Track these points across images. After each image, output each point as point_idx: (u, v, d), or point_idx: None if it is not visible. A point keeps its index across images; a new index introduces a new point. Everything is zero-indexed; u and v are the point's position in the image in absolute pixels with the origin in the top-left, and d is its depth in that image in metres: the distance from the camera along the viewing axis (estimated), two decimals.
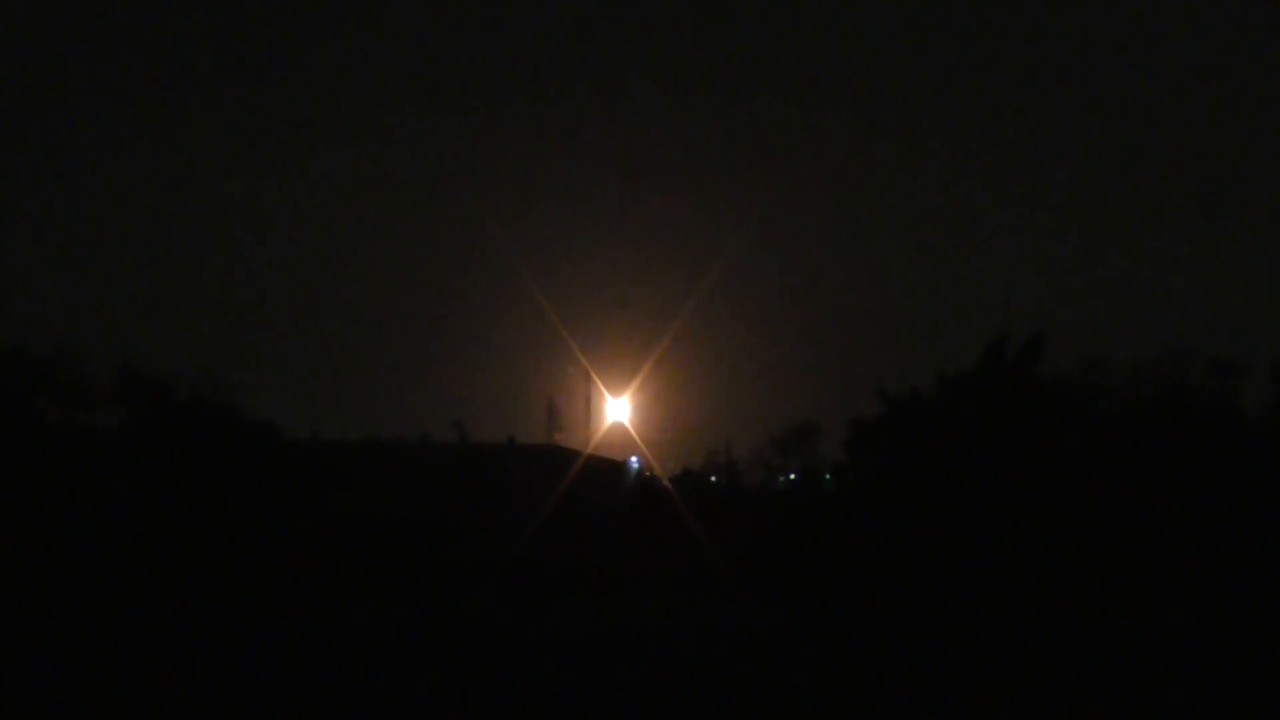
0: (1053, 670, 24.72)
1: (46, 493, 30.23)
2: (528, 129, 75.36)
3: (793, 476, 46.08)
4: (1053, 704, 22.91)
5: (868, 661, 26.03)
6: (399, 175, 76.24)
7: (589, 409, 45.51)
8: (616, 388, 44.11)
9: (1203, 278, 65.95)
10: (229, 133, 76.35)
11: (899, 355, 65.61)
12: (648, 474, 47.19)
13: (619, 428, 46.14)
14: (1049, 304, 59.88)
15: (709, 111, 79.21)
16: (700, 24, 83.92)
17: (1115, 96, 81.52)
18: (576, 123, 76.10)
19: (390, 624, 28.35)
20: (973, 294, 61.74)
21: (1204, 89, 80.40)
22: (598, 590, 32.61)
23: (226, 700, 21.66)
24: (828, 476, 40.38)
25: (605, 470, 45.45)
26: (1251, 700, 21.35)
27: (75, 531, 29.56)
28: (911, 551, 30.30)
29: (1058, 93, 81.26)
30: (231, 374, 33.67)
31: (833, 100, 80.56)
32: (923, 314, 61.86)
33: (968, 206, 73.03)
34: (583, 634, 28.37)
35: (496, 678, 24.13)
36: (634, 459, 47.61)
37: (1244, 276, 66.07)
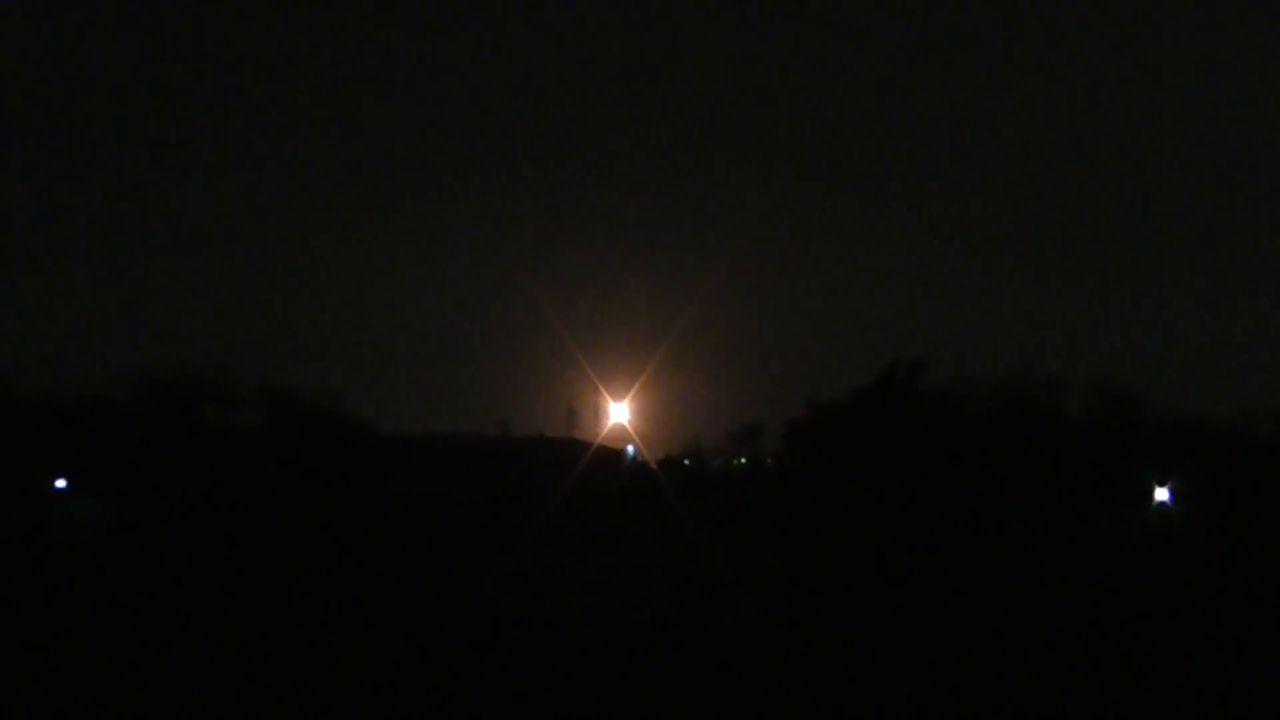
0: (927, 604, 24.20)
1: (207, 477, 32.19)
2: (555, 195, 79.58)
3: (744, 461, 47.29)
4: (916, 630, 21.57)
5: (798, 594, 26.04)
6: (462, 233, 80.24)
7: (597, 411, 46.78)
8: (618, 395, 45.60)
9: (1039, 307, 69.50)
10: (331, 184, 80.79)
11: (822, 372, 70.66)
12: (640, 459, 48.54)
13: (619, 426, 47.05)
14: (931, 330, 64.25)
15: (685, 181, 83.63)
16: (695, 65, 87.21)
17: (973, 151, 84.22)
18: (588, 188, 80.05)
19: (455, 571, 28.17)
20: (878, 323, 66.12)
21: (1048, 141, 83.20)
22: (604, 544, 33.24)
23: (353, 625, 21.07)
24: (769, 461, 43.96)
25: (608, 457, 47.06)
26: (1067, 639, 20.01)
27: (228, 506, 31.34)
28: (831, 517, 32.50)
29: (927, 146, 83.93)
30: (341, 384, 35.97)
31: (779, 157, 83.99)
32: (842, 342, 65.95)
33: (876, 254, 77.60)
34: (592, 576, 28.35)
35: (530, 606, 24.12)
36: (630, 448, 49.03)
37: (1073, 308, 69.41)
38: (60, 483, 31.67)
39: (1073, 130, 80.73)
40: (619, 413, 44.79)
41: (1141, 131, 78.62)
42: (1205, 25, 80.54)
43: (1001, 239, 76.63)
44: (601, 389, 44.53)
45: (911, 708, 15.13)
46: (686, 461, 50.26)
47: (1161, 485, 32.29)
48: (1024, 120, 79.39)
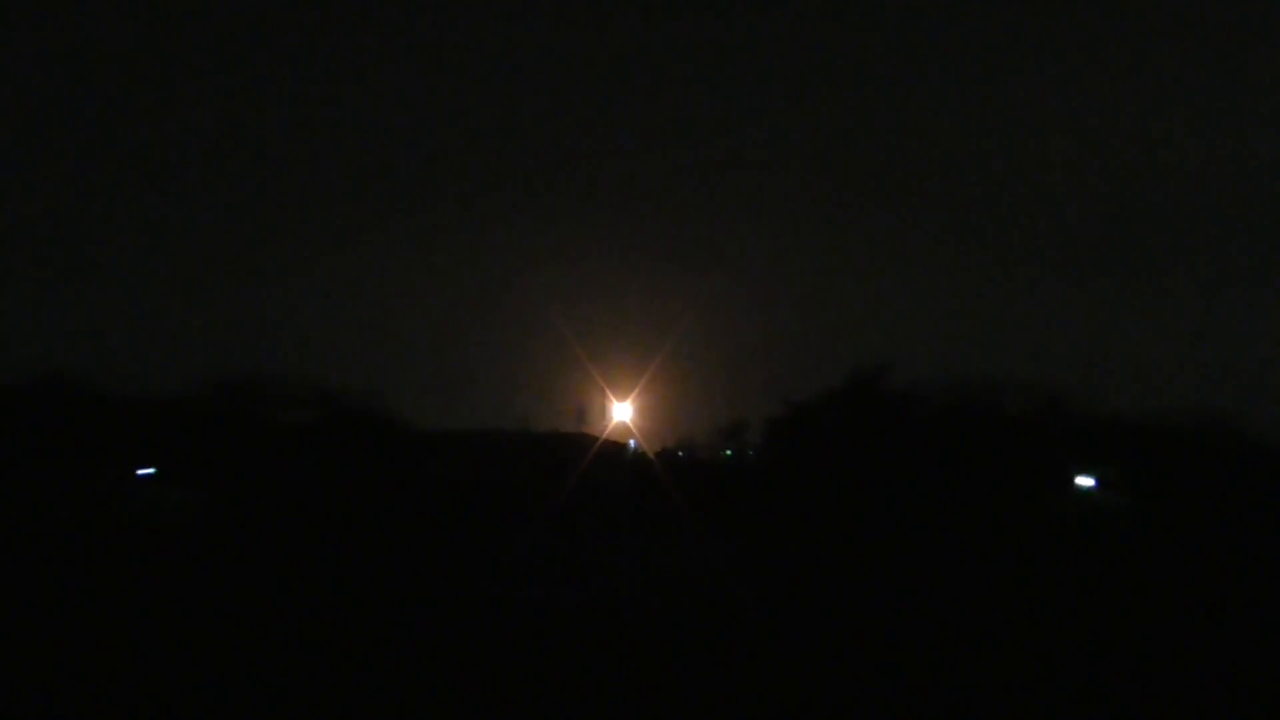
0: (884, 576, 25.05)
1: (265, 469, 35.26)
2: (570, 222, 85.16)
3: (730, 452, 50.67)
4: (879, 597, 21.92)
5: (773, 564, 27.25)
6: (494, 260, 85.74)
7: (604, 410, 50.55)
8: (622, 395, 49.56)
9: (989, 316, 73.69)
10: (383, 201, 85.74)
11: (798, 375, 75.58)
12: (640, 451, 52.63)
13: (623, 423, 51.29)
14: (893, 337, 68.74)
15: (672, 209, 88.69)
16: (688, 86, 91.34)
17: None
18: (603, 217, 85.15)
19: (482, 547, 28.83)
20: (847, 332, 70.89)
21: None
22: (609, 524, 34.66)
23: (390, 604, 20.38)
24: (750, 453, 47.66)
25: (613, 450, 51.08)
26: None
27: (288, 491, 34.09)
28: (804, 500, 36.15)
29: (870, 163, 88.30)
30: (383, 385, 38.75)
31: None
32: (816, 349, 70.61)
33: (846, 271, 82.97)
34: (599, 550, 29.17)
35: (548, 572, 24.77)
36: (632, 442, 53.55)
37: (1018, 317, 73.67)
38: (145, 470, 34.39)
39: (1037, 155, 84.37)
40: (622, 411, 49.05)
41: (1107, 150, 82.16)
42: (1152, 29, 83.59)
43: (955, 255, 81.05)
44: (607, 391, 48.60)
45: (867, 663, 15.42)
46: (680, 453, 53.75)
47: (1085, 473, 35.34)
48: (982, 146, 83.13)
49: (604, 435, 50.80)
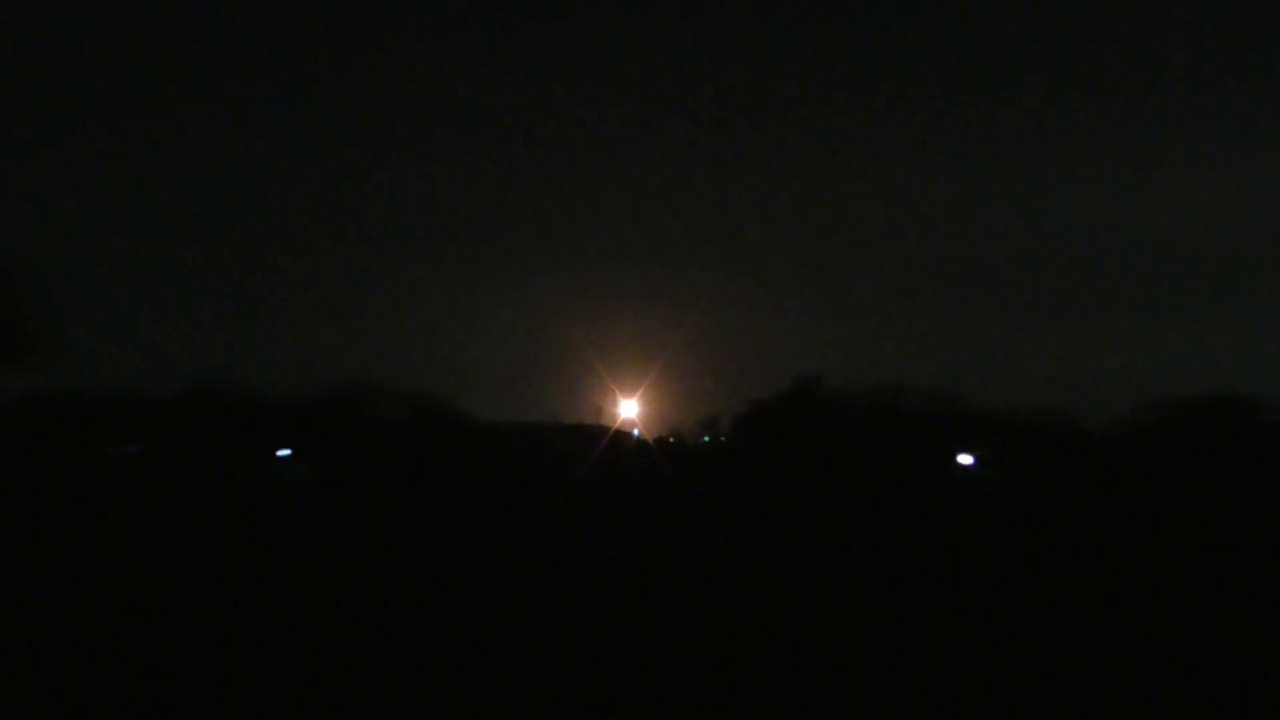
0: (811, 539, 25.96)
1: (372, 453, 42.08)
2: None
3: (707, 440, 58.82)
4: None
5: (739, 518, 29.82)
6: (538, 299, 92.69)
7: (615, 407, 59.69)
8: (628, 394, 58.93)
9: (902, 333, 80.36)
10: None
11: (759, 379, 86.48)
12: (642, 438, 61.31)
13: (629, 417, 60.37)
14: (830, 351, 79.53)
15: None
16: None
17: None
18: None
19: (526, 509, 31.09)
20: (794, 347, 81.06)
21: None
22: (619, 490, 39.15)
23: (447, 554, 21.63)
24: (721, 439, 56.69)
25: (622, 438, 60.01)
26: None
27: (385, 470, 40.00)
28: (760, 475, 43.08)
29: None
30: (454, 388, 45.85)
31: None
32: (771, 360, 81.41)
33: (796, 300, 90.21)
34: (612, 509, 31.65)
35: (575, 525, 26.62)
36: (636, 431, 62.20)
37: (923, 332, 79.55)
38: (284, 452, 41.98)
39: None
40: (629, 408, 59.63)
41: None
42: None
43: (872, 283, 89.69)
44: (617, 391, 58.95)
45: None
46: (671, 439, 63.46)
47: (965, 454, 43.07)
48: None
49: (615, 426, 60.21)
